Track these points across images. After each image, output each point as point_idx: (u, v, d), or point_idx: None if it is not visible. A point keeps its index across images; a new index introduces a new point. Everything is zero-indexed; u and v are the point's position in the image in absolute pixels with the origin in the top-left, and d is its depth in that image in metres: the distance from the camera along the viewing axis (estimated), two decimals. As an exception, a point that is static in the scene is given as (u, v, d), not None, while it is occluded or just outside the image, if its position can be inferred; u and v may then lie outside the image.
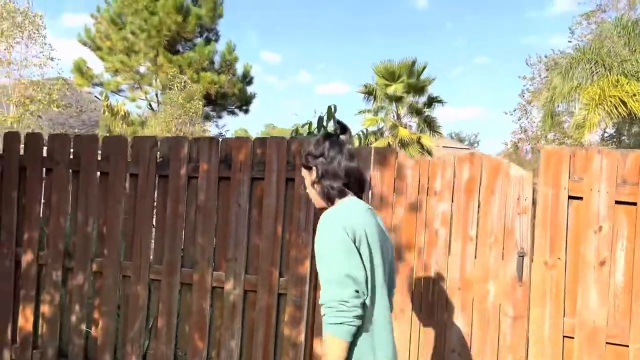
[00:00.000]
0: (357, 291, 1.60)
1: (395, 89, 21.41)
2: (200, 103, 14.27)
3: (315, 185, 1.84)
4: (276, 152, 3.13)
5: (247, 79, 21.25)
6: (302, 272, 3.04)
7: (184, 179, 3.33)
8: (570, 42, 20.11)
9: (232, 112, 21.41)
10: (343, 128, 1.89)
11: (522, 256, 2.73)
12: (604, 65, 12.87)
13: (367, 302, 1.66)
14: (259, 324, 3.12)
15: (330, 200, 1.81)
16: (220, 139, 3.30)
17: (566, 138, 19.66)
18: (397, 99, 21.63)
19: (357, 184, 1.84)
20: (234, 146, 3.23)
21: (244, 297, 3.18)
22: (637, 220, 2.50)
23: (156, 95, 18.69)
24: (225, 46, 18.40)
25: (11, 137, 3.82)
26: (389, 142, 19.63)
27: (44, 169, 3.74)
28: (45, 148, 3.76)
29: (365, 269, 1.66)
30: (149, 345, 3.41)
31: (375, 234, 1.73)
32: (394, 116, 21.69)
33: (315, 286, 3.03)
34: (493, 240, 2.79)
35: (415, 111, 21.42)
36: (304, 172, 1.90)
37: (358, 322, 1.60)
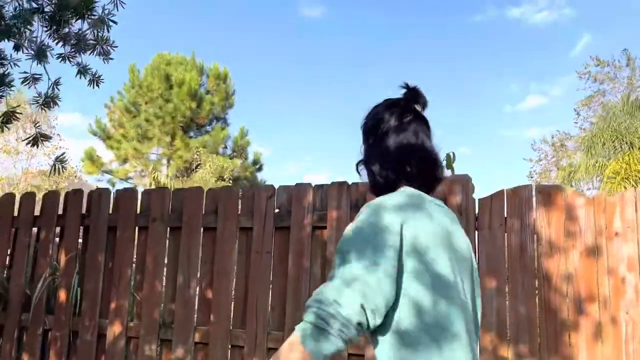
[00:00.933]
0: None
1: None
2: (231, 184, 14.07)
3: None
4: (422, 195, 2.82)
5: (257, 165, 21.33)
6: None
7: (308, 229, 2.98)
8: (576, 123, 20.61)
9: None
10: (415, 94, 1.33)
11: None
12: (624, 141, 13.06)
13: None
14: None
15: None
16: (349, 183, 2.99)
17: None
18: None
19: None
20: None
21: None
22: None
23: (168, 179, 18.55)
24: (239, 131, 18.59)
25: (99, 195, 3.48)
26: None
27: (137, 228, 3.37)
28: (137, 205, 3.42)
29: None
30: None
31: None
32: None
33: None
34: (695, 286, 2.43)
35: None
36: None
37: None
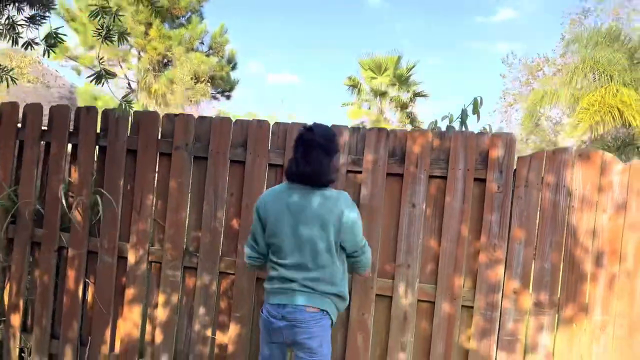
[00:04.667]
0: None
1: (381, 81, 21.35)
2: (209, 85, 13.59)
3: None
4: (463, 146, 2.82)
5: (231, 64, 20.56)
6: (495, 280, 2.76)
7: (341, 172, 2.97)
8: (557, 46, 20.55)
9: (214, 97, 20.68)
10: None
11: None
12: (604, 73, 13.19)
13: None
14: (437, 336, 2.82)
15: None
16: (388, 130, 2.95)
17: (545, 142, 20.21)
18: (382, 93, 21.57)
19: None
20: (409, 137, 2.89)
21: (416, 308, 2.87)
22: None
23: (141, 72, 17.70)
24: (218, 27, 17.64)
25: (117, 115, 3.31)
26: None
27: (158, 154, 3.27)
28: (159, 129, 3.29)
29: None
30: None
31: None
32: (378, 110, 21.61)
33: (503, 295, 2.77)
34: None
35: (401, 106, 21.41)
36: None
37: None
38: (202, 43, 17.35)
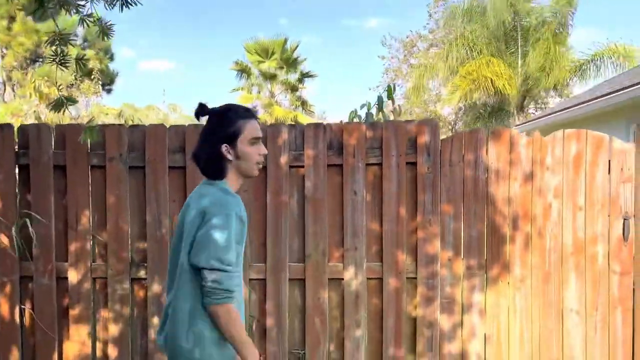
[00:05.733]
0: None
1: (269, 65, 21.41)
2: (98, 82, 12.71)
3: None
4: (394, 134, 3.09)
5: (108, 55, 19.41)
6: (433, 252, 3.09)
7: (285, 169, 3.11)
8: (427, 24, 21.97)
9: (95, 93, 19.40)
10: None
11: (627, 219, 3.13)
12: (474, 48, 14.46)
13: None
14: (388, 309, 3.10)
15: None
16: (324, 124, 3.13)
17: (427, 112, 21.67)
18: (271, 77, 21.65)
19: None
20: (345, 130, 3.10)
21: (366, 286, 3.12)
22: None
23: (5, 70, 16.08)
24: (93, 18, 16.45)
25: (38, 130, 3.13)
26: (265, 120, 19.65)
27: (89, 167, 3.16)
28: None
29: None
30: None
31: None
32: (269, 94, 21.69)
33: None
34: (600, 208, 3.14)
35: (291, 88, 21.65)
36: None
37: None
38: (76, 35, 16.14)
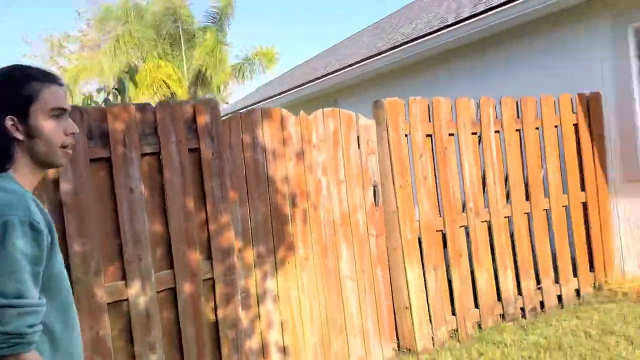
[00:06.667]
0: None
1: None
2: None
3: None
4: (171, 118, 2.64)
5: None
6: (227, 245, 2.79)
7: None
8: (78, 23, 20.12)
9: None
10: None
11: (376, 186, 3.53)
12: (143, 49, 14.02)
13: None
14: (185, 320, 2.64)
15: None
16: (80, 107, 2.42)
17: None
18: None
19: None
20: (109, 114, 2.47)
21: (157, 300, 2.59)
22: (436, 145, 3.72)
23: None
24: None
25: None
26: None
27: None
28: None
29: None
30: None
31: None
32: None
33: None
34: (356, 179, 3.44)
35: None
36: None
37: None
38: None
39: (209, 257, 2.77)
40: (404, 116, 3.57)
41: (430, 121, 3.71)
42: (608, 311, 3.90)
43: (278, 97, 9.13)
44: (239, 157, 2.92)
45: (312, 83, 8.00)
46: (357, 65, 6.99)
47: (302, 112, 3.25)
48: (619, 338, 3.36)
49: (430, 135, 3.73)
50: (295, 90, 8.56)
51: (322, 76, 7.75)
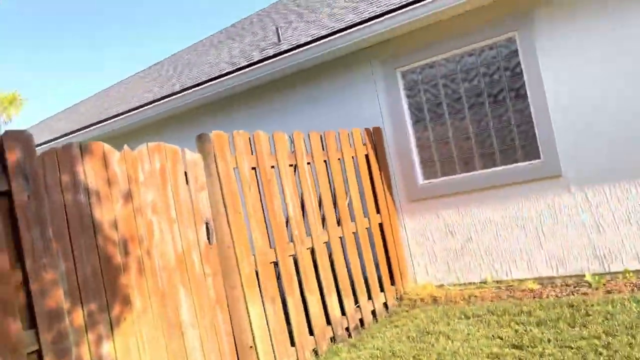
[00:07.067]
0: None
1: None
2: None
3: None
4: (-30, 154, 2.07)
5: None
6: (56, 306, 2.26)
7: None
8: None
9: None
10: None
11: (208, 223, 3.34)
12: None
13: None
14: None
15: None
16: None
17: None
18: None
19: None
20: None
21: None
22: (261, 177, 3.72)
23: None
24: None
25: None
26: None
27: None
28: None
29: None
30: None
31: None
32: None
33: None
34: (187, 217, 3.20)
35: None
36: None
37: None
38: None
39: (32, 325, 2.21)
40: (229, 149, 3.51)
41: (253, 154, 3.72)
42: (416, 316, 4.38)
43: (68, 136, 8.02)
44: (58, 200, 2.45)
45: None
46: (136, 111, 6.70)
47: (126, 147, 2.91)
48: (437, 335, 3.79)
49: (255, 168, 3.74)
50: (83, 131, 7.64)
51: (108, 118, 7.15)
